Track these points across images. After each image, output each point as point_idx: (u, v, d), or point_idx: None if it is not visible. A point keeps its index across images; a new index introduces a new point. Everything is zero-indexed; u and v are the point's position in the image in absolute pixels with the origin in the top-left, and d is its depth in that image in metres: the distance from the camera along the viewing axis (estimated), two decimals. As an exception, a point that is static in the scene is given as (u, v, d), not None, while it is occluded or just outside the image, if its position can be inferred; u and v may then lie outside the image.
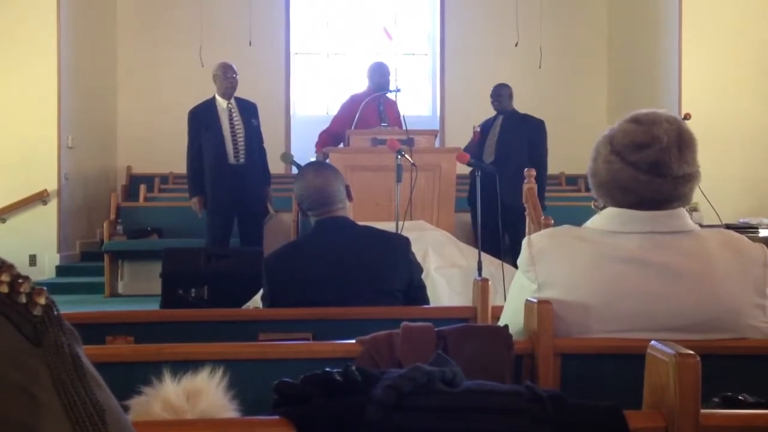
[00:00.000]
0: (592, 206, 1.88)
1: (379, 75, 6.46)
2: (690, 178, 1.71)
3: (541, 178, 7.04)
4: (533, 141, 7.03)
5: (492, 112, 7.21)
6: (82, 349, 0.64)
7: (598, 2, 11.38)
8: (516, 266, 1.90)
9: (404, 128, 5.94)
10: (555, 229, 1.85)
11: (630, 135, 1.71)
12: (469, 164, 4.51)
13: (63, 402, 0.60)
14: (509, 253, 5.56)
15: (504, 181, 6.12)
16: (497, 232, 5.10)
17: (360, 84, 11.25)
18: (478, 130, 6.78)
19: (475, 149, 6.72)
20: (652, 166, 1.68)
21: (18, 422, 0.57)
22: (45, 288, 0.63)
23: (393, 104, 6.66)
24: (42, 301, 0.62)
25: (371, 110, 6.21)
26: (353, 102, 6.44)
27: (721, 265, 1.69)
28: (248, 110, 6.61)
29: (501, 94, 7.13)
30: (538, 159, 6.99)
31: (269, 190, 6.77)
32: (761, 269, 1.71)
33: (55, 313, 0.63)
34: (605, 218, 1.75)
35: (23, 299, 0.61)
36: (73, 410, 0.60)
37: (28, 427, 0.57)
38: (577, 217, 2.16)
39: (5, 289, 0.61)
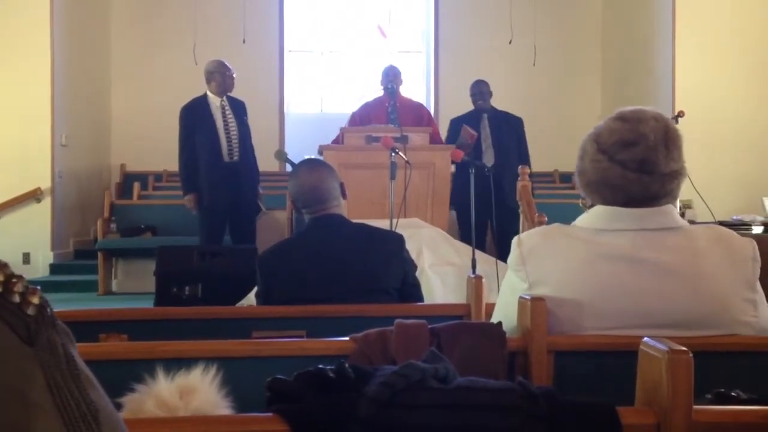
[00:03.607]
0: (580, 204, 1.88)
1: (385, 78, 6.43)
2: (677, 174, 1.72)
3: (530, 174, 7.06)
4: (519, 139, 7.03)
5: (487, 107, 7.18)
6: (75, 349, 0.64)
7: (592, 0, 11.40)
8: None
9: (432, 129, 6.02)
10: (544, 227, 1.85)
11: (617, 133, 1.72)
12: (462, 162, 4.51)
13: (56, 402, 0.59)
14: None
15: (511, 181, 6.11)
16: (491, 230, 5.11)
17: (355, 82, 11.41)
18: (474, 132, 6.70)
19: (470, 149, 6.68)
20: (639, 164, 1.69)
21: (11, 422, 0.57)
22: (39, 287, 0.63)
23: (414, 107, 6.61)
24: (36, 300, 0.62)
25: (380, 113, 6.22)
26: (360, 113, 6.48)
27: (711, 260, 1.69)
28: (240, 108, 6.60)
29: (484, 92, 7.04)
30: (526, 155, 7.01)
31: (259, 187, 6.76)
32: (751, 264, 1.72)
33: (49, 312, 0.63)
34: (594, 216, 1.76)
35: (17, 299, 0.61)
36: (67, 410, 0.60)
37: (21, 428, 0.57)
38: (571, 214, 2.16)
39: (-1, 288, 0.61)
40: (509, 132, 6.98)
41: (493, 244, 5.99)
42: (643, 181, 1.69)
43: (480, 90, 7.06)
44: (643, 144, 1.69)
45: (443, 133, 6.95)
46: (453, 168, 5.96)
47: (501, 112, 7.12)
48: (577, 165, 1.80)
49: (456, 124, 6.75)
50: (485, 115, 7.00)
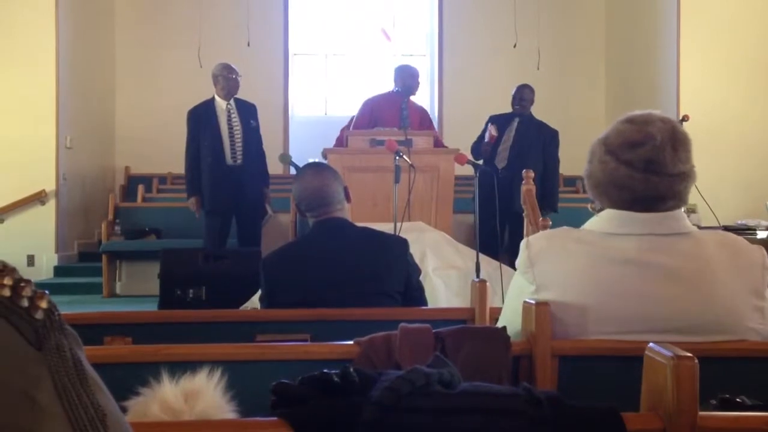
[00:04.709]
0: (589, 208, 1.88)
1: (409, 76, 6.34)
2: (685, 176, 1.71)
3: (554, 186, 7.03)
4: (547, 150, 6.97)
5: (493, 110, 7.18)
6: (83, 353, 0.64)
7: (596, 4, 11.38)
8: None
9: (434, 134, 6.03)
10: (553, 230, 1.85)
11: (624, 134, 1.72)
12: (470, 164, 4.50)
13: (65, 406, 0.60)
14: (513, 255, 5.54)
15: (517, 186, 6.10)
16: (496, 233, 5.10)
17: (359, 85, 11.40)
18: (495, 134, 6.66)
19: (488, 149, 6.68)
20: (647, 163, 1.69)
21: (19, 426, 0.57)
22: (47, 291, 0.63)
23: (419, 110, 6.61)
24: (44, 304, 0.62)
25: (393, 113, 6.18)
26: (373, 103, 6.44)
27: (720, 267, 1.69)
28: (247, 111, 6.61)
29: (525, 98, 6.99)
30: (552, 168, 6.98)
31: (268, 191, 6.77)
32: (760, 271, 1.71)
33: (57, 316, 0.63)
34: (603, 220, 1.76)
35: (25, 303, 0.61)
36: (75, 414, 0.60)
37: None
38: (575, 218, 2.16)
39: (7, 292, 0.61)
40: (536, 141, 6.92)
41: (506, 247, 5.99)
42: (650, 181, 1.68)
43: (520, 95, 7.02)
44: (650, 144, 1.68)
45: (480, 128, 7.04)
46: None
47: (537, 120, 7.07)
48: (585, 169, 1.80)
49: (490, 121, 6.90)
50: (517, 119, 6.98)
